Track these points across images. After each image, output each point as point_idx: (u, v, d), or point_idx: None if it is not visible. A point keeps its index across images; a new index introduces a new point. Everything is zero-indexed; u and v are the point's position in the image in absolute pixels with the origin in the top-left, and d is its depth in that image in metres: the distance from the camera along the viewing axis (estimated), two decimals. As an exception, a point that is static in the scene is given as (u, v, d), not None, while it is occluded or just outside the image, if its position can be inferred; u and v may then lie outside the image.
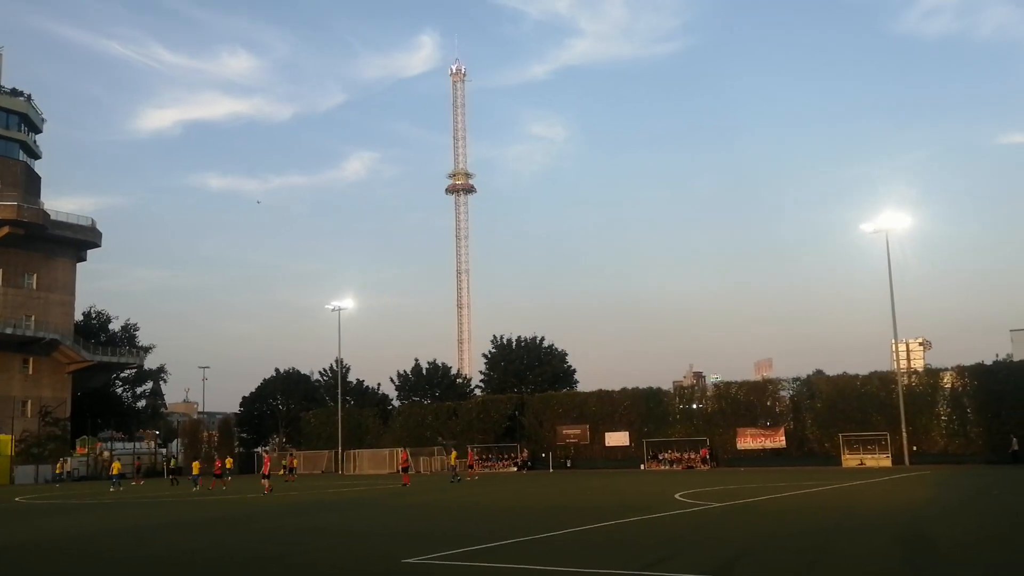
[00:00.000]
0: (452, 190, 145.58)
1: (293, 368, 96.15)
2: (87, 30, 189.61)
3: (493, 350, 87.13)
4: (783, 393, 62.95)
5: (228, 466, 54.50)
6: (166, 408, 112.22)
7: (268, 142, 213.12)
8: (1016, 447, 51.92)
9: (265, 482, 41.71)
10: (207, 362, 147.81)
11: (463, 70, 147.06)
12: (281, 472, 63.82)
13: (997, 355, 63.55)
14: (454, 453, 52.30)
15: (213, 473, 41.75)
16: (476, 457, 65.95)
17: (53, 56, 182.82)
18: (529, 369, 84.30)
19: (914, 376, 60.22)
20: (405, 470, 46.60)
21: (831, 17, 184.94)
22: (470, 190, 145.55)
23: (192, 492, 43.81)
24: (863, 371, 60.37)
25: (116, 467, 53.14)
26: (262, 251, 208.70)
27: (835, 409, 58.93)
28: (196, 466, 49.35)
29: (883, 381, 58.62)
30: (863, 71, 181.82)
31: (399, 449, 56.98)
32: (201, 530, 22.72)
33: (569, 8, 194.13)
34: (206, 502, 35.16)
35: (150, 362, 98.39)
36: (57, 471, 68.18)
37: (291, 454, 64.62)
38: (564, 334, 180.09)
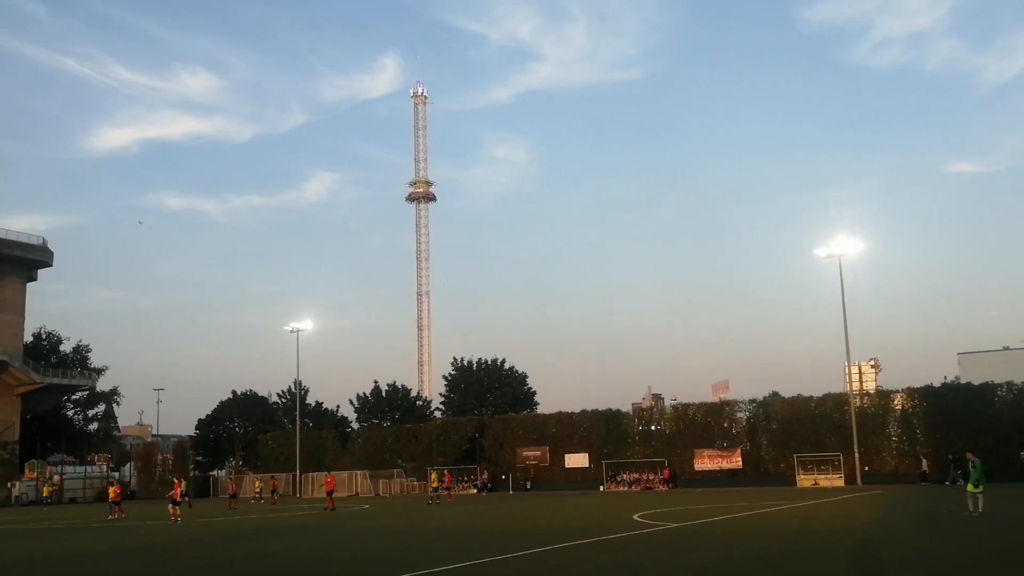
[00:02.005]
0: (413, 198, 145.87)
1: (250, 390, 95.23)
2: (42, 46, 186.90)
3: (453, 372, 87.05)
4: (739, 415, 63.63)
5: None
6: (119, 431, 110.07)
7: (228, 162, 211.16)
8: (926, 468, 53.43)
9: (173, 509, 38.53)
10: (162, 384, 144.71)
11: (425, 92, 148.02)
12: (257, 494, 63.67)
13: (945, 377, 65.27)
14: (434, 475, 52.41)
15: (173, 499, 39.94)
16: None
17: (5, 71, 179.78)
18: (489, 391, 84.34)
19: (866, 398, 61.16)
20: (330, 494, 46.51)
21: (786, 47, 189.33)
22: (430, 198, 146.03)
23: (109, 520, 41.85)
24: (817, 393, 61.45)
25: (113, 491, 50.68)
26: (220, 272, 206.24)
27: (790, 430, 59.76)
28: (113, 491, 47.15)
29: (836, 403, 59.53)
30: (818, 100, 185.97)
31: (325, 473, 57.04)
32: (168, 556, 22.36)
33: (531, 33, 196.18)
34: (174, 527, 34.55)
35: (103, 384, 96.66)
36: (44, 493, 66.90)
37: (272, 477, 64.86)
38: (525, 356, 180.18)
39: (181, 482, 42.07)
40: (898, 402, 58.54)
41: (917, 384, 58.76)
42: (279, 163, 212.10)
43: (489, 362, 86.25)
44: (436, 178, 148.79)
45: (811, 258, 61.09)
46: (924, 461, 53.99)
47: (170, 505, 39.25)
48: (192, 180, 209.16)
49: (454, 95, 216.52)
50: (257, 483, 66.39)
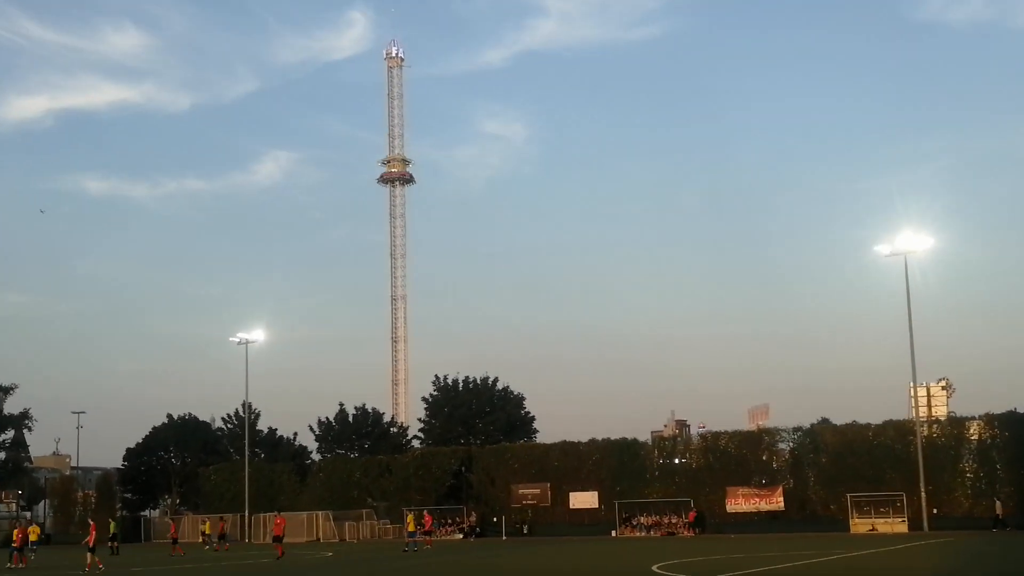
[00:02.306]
0: (387, 179, 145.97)
1: (189, 414, 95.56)
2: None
3: (435, 393, 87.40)
4: (781, 445, 64.21)
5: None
6: (31, 463, 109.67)
7: (161, 138, 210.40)
8: (999, 512, 53.63)
9: (89, 556, 38.38)
10: (82, 406, 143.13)
11: (401, 54, 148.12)
12: (201, 541, 63.97)
13: (1032, 402, 65.30)
14: (411, 517, 52.25)
15: (88, 546, 39.59)
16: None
17: None
18: (478, 416, 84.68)
19: (935, 426, 61.46)
20: (278, 539, 46.35)
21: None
22: (408, 179, 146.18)
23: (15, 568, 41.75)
24: (876, 419, 61.85)
25: (34, 531, 50.26)
26: (152, 271, 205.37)
27: (842, 464, 60.05)
28: (16, 534, 46.81)
29: (899, 431, 59.88)
30: (880, 65, 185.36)
31: (274, 514, 57.33)
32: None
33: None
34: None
35: (10, 406, 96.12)
36: None
37: (221, 519, 65.08)
38: (521, 374, 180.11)
39: (111, 523, 41.99)
40: (974, 431, 58.75)
41: (998, 409, 59.05)
42: (223, 139, 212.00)
43: (478, 381, 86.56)
44: (415, 156, 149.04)
45: (870, 257, 61.95)
46: (997, 503, 53.98)
47: (87, 553, 38.96)
48: (118, 159, 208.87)
49: (436, 57, 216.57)
50: (206, 524, 66.64)
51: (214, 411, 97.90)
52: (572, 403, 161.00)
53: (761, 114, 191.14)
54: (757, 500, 61.72)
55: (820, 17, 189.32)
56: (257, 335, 76.42)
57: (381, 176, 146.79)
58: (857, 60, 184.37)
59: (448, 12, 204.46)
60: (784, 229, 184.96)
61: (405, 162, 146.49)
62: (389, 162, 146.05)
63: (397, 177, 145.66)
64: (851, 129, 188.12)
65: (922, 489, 55.15)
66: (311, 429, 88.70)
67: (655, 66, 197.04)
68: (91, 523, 42.66)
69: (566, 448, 69.94)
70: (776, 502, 61.11)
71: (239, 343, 75.73)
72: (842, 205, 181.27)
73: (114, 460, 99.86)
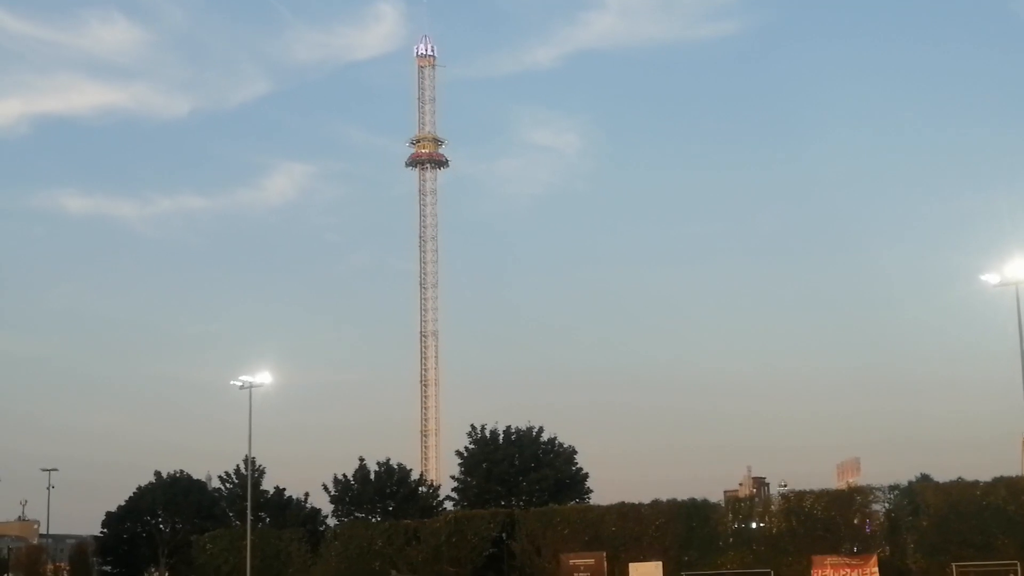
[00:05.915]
0: (416, 160, 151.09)
1: (181, 471, 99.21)
2: None
3: (471, 446, 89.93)
4: (876, 507, 67.69)
5: None
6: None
7: (154, 148, 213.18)
8: None
9: None
10: (54, 463, 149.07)
11: (434, 52, 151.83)
12: None
13: None
14: None
15: None
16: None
17: None
18: (522, 473, 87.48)
19: (1056, 482, 64.31)
20: None
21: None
22: (441, 163, 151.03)
23: None
24: (984, 476, 65.07)
25: None
26: (139, 304, 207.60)
27: (947, 529, 63.30)
28: None
29: (1011, 490, 63.08)
30: (986, 67, 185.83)
31: None
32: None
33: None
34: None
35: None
36: None
37: None
38: (572, 424, 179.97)
39: None
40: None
41: None
42: (227, 150, 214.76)
43: (522, 432, 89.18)
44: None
45: (975, 287, 63.34)
46: None
47: None
48: (102, 173, 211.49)
49: (475, 57, 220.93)
50: None
51: (211, 468, 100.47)
52: (631, 458, 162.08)
53: (851, 122, 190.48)
54: (848, 570, 64.49)
55: (921, 11, 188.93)
56: (263, 378, 78.32)
57: (409, 158, 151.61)
58: (962, 61, 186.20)
59: (489, 5, 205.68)
60: (874, 254, 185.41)
61: (437, 141, 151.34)
62: (419, 141, 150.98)
63: (428, 159, 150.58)
64: (954, 140, 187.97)
65: (1039, 557, 58.42)
66: (325, 489, 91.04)
67: (730, 68, 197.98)
68: None
69: (625, 511, 72.78)
70: (870, 572, 63.89)
71: (241, 387, 78.02)
72: (941, 226, 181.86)
73: (91, 526, 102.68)
